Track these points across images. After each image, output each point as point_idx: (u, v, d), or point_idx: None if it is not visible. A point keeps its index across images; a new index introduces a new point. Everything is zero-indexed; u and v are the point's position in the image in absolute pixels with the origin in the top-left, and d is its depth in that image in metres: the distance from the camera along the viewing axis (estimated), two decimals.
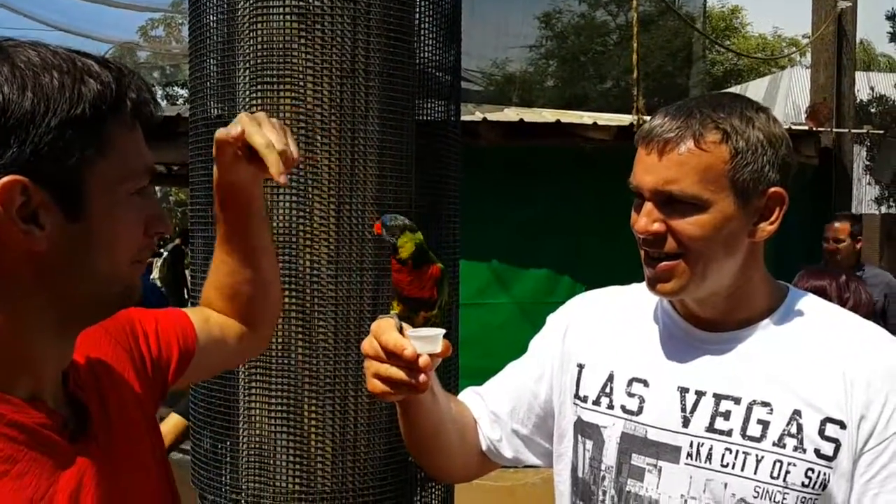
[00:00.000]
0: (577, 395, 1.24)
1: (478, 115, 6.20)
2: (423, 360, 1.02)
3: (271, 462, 1.60)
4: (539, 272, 6.60)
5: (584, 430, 1.21)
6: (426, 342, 1.04)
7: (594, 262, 6.16)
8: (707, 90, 14.71)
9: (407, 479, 1.68)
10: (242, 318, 1.21)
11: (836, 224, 4.49)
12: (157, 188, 19.75)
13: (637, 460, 1.14)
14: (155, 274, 12.25)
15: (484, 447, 1.33)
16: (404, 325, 1.07)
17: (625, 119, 6.71)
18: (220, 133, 1.05)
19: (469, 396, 1.36)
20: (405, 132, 1.67)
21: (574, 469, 1.23)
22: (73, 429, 0.86)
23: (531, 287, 6.56)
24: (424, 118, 1.82)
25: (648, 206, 1.11)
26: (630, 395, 1.18)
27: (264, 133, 1.02)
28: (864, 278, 4.57)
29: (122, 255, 0.84)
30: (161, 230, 0.89)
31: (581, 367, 1.25)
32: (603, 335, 1.25)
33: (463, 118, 2.06)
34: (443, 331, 1.06)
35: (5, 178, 0.75)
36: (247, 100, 1.61)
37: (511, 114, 6.85)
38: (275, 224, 1.57)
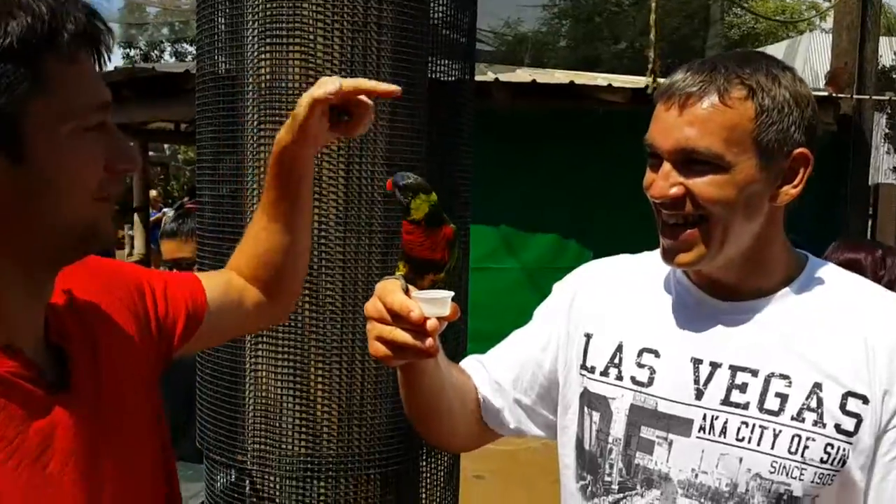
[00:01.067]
0: (583, 366, 1.20)
1: (490, 76, 6.10)
2: (430, 324, 0.97)
3: (277, 424, 1.58)
4: (547, 237, 6.56)
5: (591, 401, 1.18)
6: (434, 304, 0.99)
7: (603, 229, 6.13)
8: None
9: (413, 445, 1.66)
10: (268, 288, 1.18)
11: None
12: (165, 146, 19.70)
13: (646, 433, 1.11)
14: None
15: (485, 417, 1.30)
16: (410, 287, 1.03)
17: (640, 81, 6.58)
18: (317, 92, 1.02)
19: (471, 364, 1.33)
20: (417, 90, 1.61)
21: (580, 441, 1.20)
22: (52, 380, 0.84)
23: (538, 252, 6.54)
24: (438, 77, 1.76)
25: (666, 167, 1.05)
26: (640, 365, 1.14)
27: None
28: None
29: (79, 195, 0.81)
30: (126, 166, 0.85)
31: (588, 336, 1.21)
32: (612, 304, 1.21)
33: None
34: (451, 293, 1.01)
35: None
36: (255, 55, 1.56)
37: (523, 74, 6.74)
38: None
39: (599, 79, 6.71)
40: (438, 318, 0.98)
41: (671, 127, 1.04)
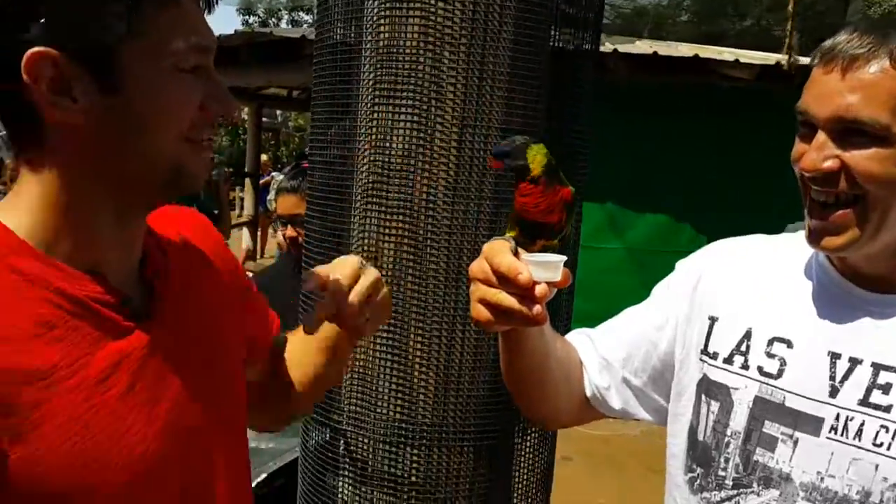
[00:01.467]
0: (704, 351, 1.11)
1: (608, 46, 5.88)
2: (540, 289, 0.90)
3: (374, 389, 1.57)
4: (656, 218, 6.33)
5: (710, 389, 1.09)
6: (545, 268, 0.91)
7: (721, 212, 5.86)
8: None
9: (510, 419, 1.62)
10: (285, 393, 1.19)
11: None
12: (278, 113, 20.27)
13: (770, 428, 1.02)
14: (271, 195, 12.68)
15: (589, 393, 1.23)
16: (520, 249, 0.96)
17: (770, 58, 6.21)
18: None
19: (578, 338, 1.26)
20: (538, 56, 1.54)
21: (693, 431, 1.12)
22: (137, 310, 0.85)
23: (646, 233, 6.31)
24: (561, 46, 1.68)
25: (820, 137, 0.95)
26: (770, 355, 1.04)
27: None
28: None
29: (168, 132, 0.82)
30: (222, 111, 0.86)
31: (713, 320, 1.12)
32: (742, 287, 1.11)
33: None
34: (564, 257, 0.94)
35: (33, 50, 0.75)
36: (374, 18, 1.53)
37: (643, 45, 6.48)
38: (392, 146, 1.50)
39: (725, 53, 6.37)
40: (548, 284, 0.92)
41: (831, 92, 0.93)
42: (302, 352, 1.18)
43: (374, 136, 1.53)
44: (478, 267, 0.95)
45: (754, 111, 5.88)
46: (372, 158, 1.53)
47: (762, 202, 5.71)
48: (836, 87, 0.92)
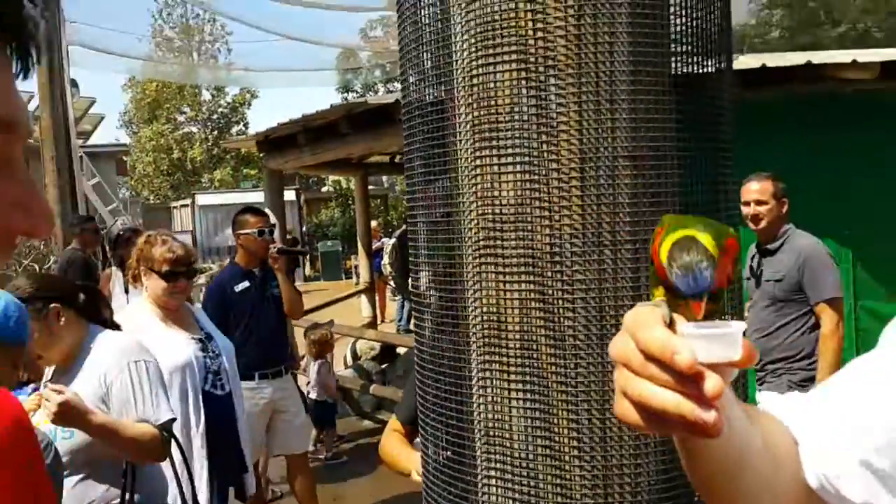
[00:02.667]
0: None
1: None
2: (712, 384, 0.62)
3: (524, 476, 1.33)
4: None
5: None
6: (716, 343, 0.62)
7: (861, 221, 5.34)
8: None
9: None
10: None
11: (755, 184, 3.86)
12: (384, 178, 20.64)
13: None
14: (385, 259, 12.78)
15: (815, 484, 0.92)
16: (677, 317, 0.67)
17: (887, 53, 5.68)
18: None
19: (789, 412, 0.96)
20: (659, 76, 1.32)
21: None
22: None
23: None
24: (688, 70, 1.46)
25: None
26: None
27: None
28: (783, 246, 3.78)
29: None
30: (26, 229, 0.56)
31: None
32: None
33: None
34: (742, 325, 0.64)
35: None
36: (465, 66, 1.35)
37: (749, 60, 6.09)
38: (501, 195, 1.30)
39: (838, 56, 5.87)
40: (723, 367, 0.63)
41: None
42: None
43: (479, 187, 1.34)
44: (621, 345, 0.68)
45: (883, 112, 5.38)
46: (480, 212, 1.33)
47: None
48: None
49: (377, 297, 11.98)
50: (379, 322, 11.63)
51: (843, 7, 16.55)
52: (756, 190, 3.97)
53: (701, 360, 0.62)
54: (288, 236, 18.42)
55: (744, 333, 0.64)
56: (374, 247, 12.44)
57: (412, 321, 1.60)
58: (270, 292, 4.12)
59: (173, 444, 2.30)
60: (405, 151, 1.59)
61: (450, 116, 1.44)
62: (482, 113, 1.32)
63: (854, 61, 5.48)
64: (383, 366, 7.79)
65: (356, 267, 13.27)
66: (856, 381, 0.92)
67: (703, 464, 0.82)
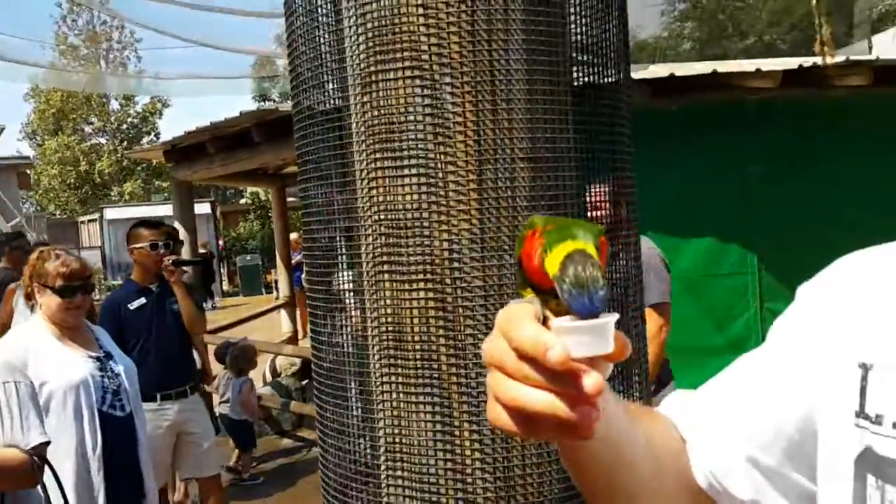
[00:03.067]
0: (861, 413, 0.79)
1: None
2: (591, 382, 0.57)
3: (425, 487, 1.28)
4: (702, 242, 6.02)
5: (881, 468, 0.77)
6: (588, 335, 0.58)
7: (766, 225, 5.54)
8: (871, 29, 13.22)
9: None
10: None
11: (595, 188, 3.99)
12: (249, 188, 20.57)
13: None
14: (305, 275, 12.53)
15: (703, 483, 0.90)
16: (549, 314, 0.62)
17: (789, 62, 5.94)
18: None
19: (674, 408, 0.94)
20: (557, 77, 1.29)
21: None
22: None
23: (694, 259, 6.00)
24: (589, 81, 1.45)
25: None
26: None
27: None
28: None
29: None
30: None
31: (867, 368, 0.79)
32: None
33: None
34: (614, 315, 0.60)
35: None
36: (360, 82, 1.30)
37: (659, 69, 6.26)
38: (399, 201, 1.25)
39: (745, 65, 6.10)
40: (598, 360, 0.58)
41: None
42: None
43: (376, 192, 1.28)
44: (492, 346, 0.61)
45: (783, 118, 5.60)
46: (377, 219, 1.27)
47: (807, 204, 5.41)
48: None
49: (298, 312, 11.73)
50: (300, 337, 11.38)
51: (749, 20, 17.45)
52: (594, 192, 4.04)
53: (574, 355, 0.57)
54: (202, 250, 17.92)
55: (618, 324, 0.61)
56: (294, 260, 12.17)
57: (309, 335, 1.53)
58: (169, 308, 3.95)
59: (47, 469, 2.15)
60: (299, 161, 1.52)
61: (344, 122, 1.39)
62: (376, 115, 1.27)
63: (758, 70, 5.70)
64: (304, 382, 7.61)
65: (276, 281, 12.97)
66: (744, 378, 0.90)
67: (582, 469, 0.79)
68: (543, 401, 0.59)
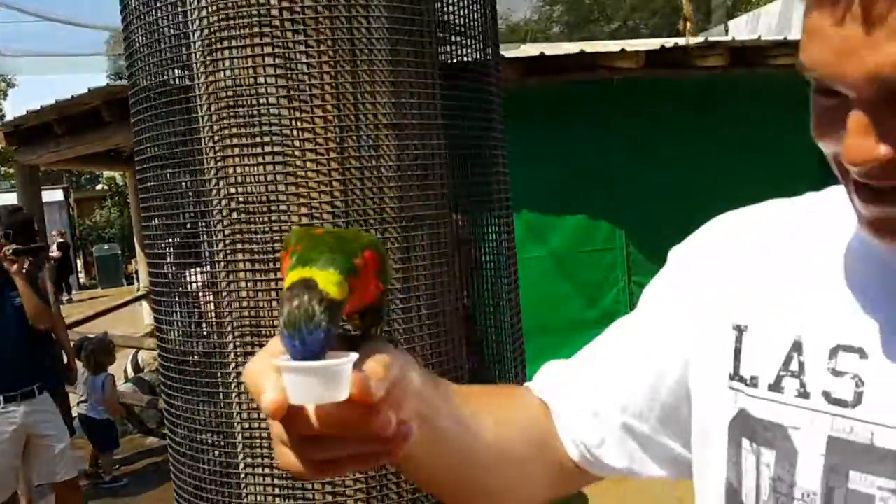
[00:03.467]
0: (736, 376, 0.75)
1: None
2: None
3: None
4: (574, 219, 6.18)
5: (755, 431, 0.73)
6: (314, 378, 0.51)
7: (632, 203, 5.74)
8: (726, 14, 14.02)
9: None
10: None
11: None
12: (105, 173, 19.34)
13: (859, 482, 0.67)
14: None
15: (576, 456, 0.86)
16: (282, 353, 0.55)
17: (652, 43, 6.15)
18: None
19: (543, 382, 0.89)
20: (422, 48, 1.21)
21: (733, 492, 0.76)
22: None
23: (566, 237, 6.15)
24: (457, 59, 1.38)
25: (858, 116, 0.59)
26: (836, 373, 0.69)
27: None
28: None
29: None
30: None
31: (741, 329, 0.76)
32: (775, 277, 0.76)
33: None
34: (353, 356, 0.53)
35: None
36: (204, 58, 1.15)
37: (530, 49, 6.33)
38: (249, 176, 1.13)
39: (611, 45, 6.26)
40: (325, 410, 0.52)
41: (857, 47, 0.57)
42: None
43: (223, 168, 1.15)
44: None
45: (647, 98, 5.80)
46: (226, 195, 1.14)
47: (669, 185, 5.65)
48: (860, 39, 0.56)
49: None
50: None
51: (615, 5, 18.26)
52: None
53: (294, 401, 0.51)
54: (60, 239, 16.74)
55: (357, 366, 0.53)
56: None
57: (154, 325, 1.38)
58: (10, 303, 3.64)
59: None
60: (135, 142, 1.36)
61: (190, 95, 1.24)
62: (222, 85, 1.14)
63: (623, 50, 5.86)
64: None
65: (137, 271, 12.29)
66: (618, 344, 0.86)
67: (422, 479, 0.75)
68: (287, 461, 0.56)
